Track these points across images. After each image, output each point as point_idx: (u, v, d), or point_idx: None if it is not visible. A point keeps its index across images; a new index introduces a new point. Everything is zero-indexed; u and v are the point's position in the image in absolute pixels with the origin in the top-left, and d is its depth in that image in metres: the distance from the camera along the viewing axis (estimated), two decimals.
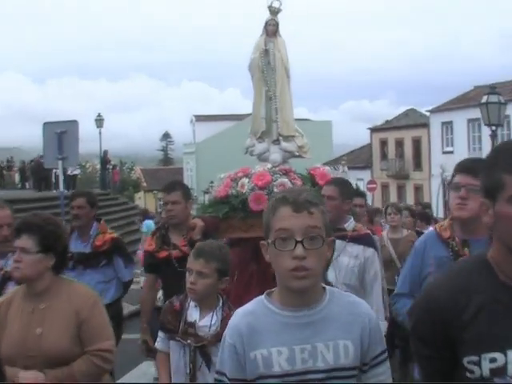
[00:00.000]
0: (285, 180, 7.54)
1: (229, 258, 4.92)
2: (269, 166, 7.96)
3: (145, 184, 75.94)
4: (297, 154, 8.48)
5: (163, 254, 6.63)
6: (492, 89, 22.23)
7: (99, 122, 45.90)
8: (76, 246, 7.29)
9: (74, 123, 14.97)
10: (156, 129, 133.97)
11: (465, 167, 4.28)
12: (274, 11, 8.55)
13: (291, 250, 2.65)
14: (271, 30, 8.53)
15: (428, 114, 57.34)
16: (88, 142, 47.24)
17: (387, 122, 65.25)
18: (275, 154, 8.37)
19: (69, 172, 34.21)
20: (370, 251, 6.05)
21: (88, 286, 4.64)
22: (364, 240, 6.11)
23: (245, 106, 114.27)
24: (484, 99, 21.63)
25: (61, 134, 14.29)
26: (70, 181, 34.96)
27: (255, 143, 8.54)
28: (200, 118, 78.60)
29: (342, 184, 6.31)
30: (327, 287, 2.88)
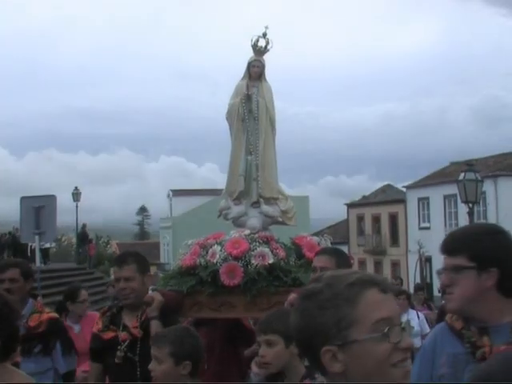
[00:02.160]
0: (265, 250, 6.47)
1: (189, 341, 4.52)
2: (246, 232, 6.83)
3: None
4: (280, 219, 7.33)
5: (109, 335, 5.58)
6: (469, 166, 22.46)
7: (76, 195, 45.82)
8: None
9: (51, 198, 14.85)
10: (133, 203, 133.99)
11: (444, 245, 3.34)
12: (260, 51, 7.43)
13: (399, 342, 2.14)
14: (255, 72, 7.42)
15: (404, 189, 57.70)
16: (64, 214, 46.98)
17: (364, 197, 65.67)
18: (254, 219, 7.19)
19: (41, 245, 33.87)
20: None
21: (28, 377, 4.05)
22: None
23: (222, 180, 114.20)
24: (461, 176, 21.84)
25: (38, 208, 14.15)
26: (44, 254, 34.64)
27: (231, 205, 7.37)
28: (177, 193, 78.55)
29: (338, 254, 5.53)
30: None
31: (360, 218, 62.17)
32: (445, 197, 50.38)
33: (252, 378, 4.54)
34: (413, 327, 7.82)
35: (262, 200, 7.24)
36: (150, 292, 5.84)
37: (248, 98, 7.28)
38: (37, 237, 14.17)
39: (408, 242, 54.68)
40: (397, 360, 2.11)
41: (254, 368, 4.52)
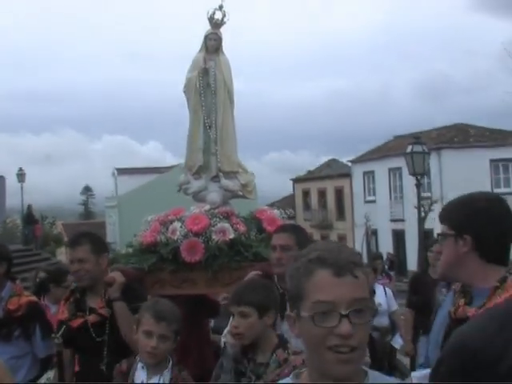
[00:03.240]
0: (226, 225, 6.42)
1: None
2: (207, 207, 6.75)
3: (66, 239, 74.68)
4: (240, 193, 7.24)
5: (77, 321, 5.41)
6: (416, 139, 22.67)
7: (21, 176, 45.27)
8: None
9: (0, 179, 14.65)
10: (77, 183, 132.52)
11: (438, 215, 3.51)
12: (217, 23, 7.27)
13: (334, 327, 2.14)
14: (212, 45, 7.27)
15: (350, 164, 58.03)
16: (9, 196, 46.36)
17: (309, 172, 65.90)
18: (214, 193, 7.10)
19: None
20: None
21: None
22: None
23: (167, 158, 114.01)
24: (408, 149, 22.05)
25: None
26: None
27: (190, 179, 7.23)
28: (122, 171, 77.96)
29: (298, 231, 5.40)
30: (369, 370, 2.35)
31: (306, 193, 62.47)
32: (390, 170, 50.76)
33: (228, 349, 4.54)
34: (380, 304, 7.98)
35: (221, 174, 7.15)
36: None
37: (205, 71, 7.16)
38: None
39: (354, 215, 55.09)
40: (332, 344, 2.14)
41: (230, 339, 4.52)
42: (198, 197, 7.22)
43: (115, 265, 6.35)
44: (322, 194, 60.05)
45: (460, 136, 47.94)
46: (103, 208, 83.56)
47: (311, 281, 2.18)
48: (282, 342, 4.31)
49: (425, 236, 24.22)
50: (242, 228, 6.51)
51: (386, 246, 46.61)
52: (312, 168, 67.20)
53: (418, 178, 22.11)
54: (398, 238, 49.67)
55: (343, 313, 2.13)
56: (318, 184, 60.77)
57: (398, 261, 43.06)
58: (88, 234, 5.66)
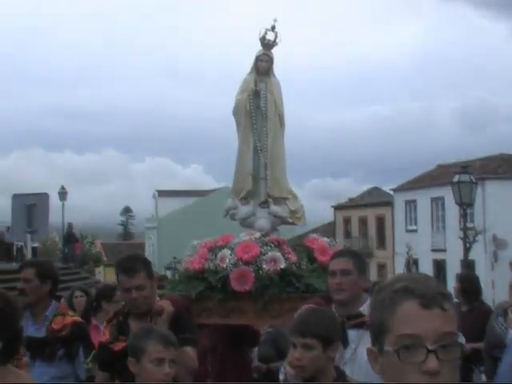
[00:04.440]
0: (277, 254, 6.19)
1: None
2: (257, 234, 6.54)
3: (105, 258, 75.00)
4: (289, 220, 7.07)
5: (119, 345, 5.18)
6: (463, 168, 22.27)
7: (62, 194, 45.35)
8: (26, 329, 5.61)
9: (44, 196, 14.67)
10: (118, 203, 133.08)
11: None
12: (268, 44, 7.09)
13: (420, 363, 1.97)
14: (263, 66, 7.09)
15: (392, 192, 57.58)
16: (50, 214, 46.56)
17: (351, 200, 65.47)
18: (263, 220, 6.90)
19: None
20: None
21: (31, 379, 3.92)
22: None
23: (207, 181, 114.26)
24: (455, 178, 21.65)
25: (30, 206, 13.91)
26: (33, 254, 34.31)
27: (238, 205, 7.04)
28: (163, 193, 78.37)
29: (356, 255, 5.22)
30: None
31: (347, 221, 62.05)
32: (432, 199, 50.30)
33: (288, 379, 4.32)
34: None
35: (270, 200, 6.99)
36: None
37: (256, 93, 7.02)
38: (28, 235, 13.90)
39: (394, 244, 54.56)
40: (416, 382, 1.97)
41: (290, 370, 4.28)
42: (246, 223, 7.08)
43: (161, 290, 6.19)
44: (363, 221, 59.60)
45: (505, 166, 47.33)
46: (143, 229, 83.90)
47: (397, 313, 2.03)
48: (341, 375, 4.15)
49: (468, 266, 23.78)
50: (293, 257, 6.31)
51: None
52: (353, 196, 66.71)
53: (464, 208, 21.69)
54: (439, 267, 49.03)
55: (430, 348, 1.96)
56: (359, 212, 60.35)
57: None
58: (141, 258, 5.49)
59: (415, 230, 52.19)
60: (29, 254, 14.95)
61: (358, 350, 4.72)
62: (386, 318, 2.06)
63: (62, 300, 6.32)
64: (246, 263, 6.19)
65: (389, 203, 56.68)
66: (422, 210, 51.82)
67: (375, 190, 64.64)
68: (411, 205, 53.67)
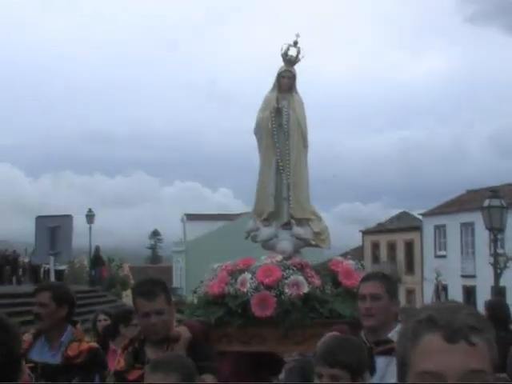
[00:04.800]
0: (299, 278, 5.93)
1: (192, 367, 3.91)
2: (279, 257, 6.29)
3: (133, 282, 75.00)
4: (312, 242, 6.84)
5: (135, 374, 4.88)
6: (494, 192, 21.88)
7: (90, 217, 45.44)
8: (42, 355, 5.56)
9: (67, 218, 14.49)
10: (146, 226, 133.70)
11: None
12: (290, 60, 6.88)
13: None
14: (286, 83, 6.88)
15: (420, 217, 57.15)
16: (77, 236, 46.74)
17: (379, 224, 65.09)
18: (285, 242, 6.71)
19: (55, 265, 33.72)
20: None
21: None
22: None
23: (236, 205, 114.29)
24: (486, 203, 21.25)
25: (54, 228, 13.76)
26: (58, 276, 34.34)
27: (259, 226, 6.84)
28: (191, 217, 78.39)
29: (387, 279, 4.97)
30: None
31: (375, 246, 61.63)
32: (461, 225, 49.88)
33: None
34: None
35: (293, 221, 6.78)
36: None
37: (278, 111, 6.81)
38: (52, 258, 13.75)
39: (423, 269, 54.03)
40: None
41: None
42: (268, 245, 6.87)
43: (179, 316, 5.97)
44: (392, 246, 59.18)
45: None
46: (170, 252, 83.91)
47: (418, 346, 1.78)
48: None
49: (498, 293, 23.35)
50: (316, 281, 6.06)
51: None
52: (382, 220, 66.32)
53: (495, 233, 21.28)
54: (469, 294, 48.44)
55: None
56: (388, 237, 59.94)
57: None
58: (159, 282, 5.18)
59: (444, 256, 51.72)
60: (52, 278, 14.76)
61: (385, 378, 4.51)
62: (408, 351, 1.82)
63: (78, 325, 5.96)
64: (268, 287, 5.94)
65: (418, 228, 56.29)
66: (452, 235, 51.42)
67: (404, 215, 64.19)
68: (440, 230, 53.27)
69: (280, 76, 6.94)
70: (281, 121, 6.81)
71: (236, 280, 6.12)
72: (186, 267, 70.62)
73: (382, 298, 4.71)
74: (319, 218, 6.97)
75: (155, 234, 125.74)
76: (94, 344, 6.00)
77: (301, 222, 6.81)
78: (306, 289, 5.91)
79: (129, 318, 7.67)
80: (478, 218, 46.54)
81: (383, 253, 60.43)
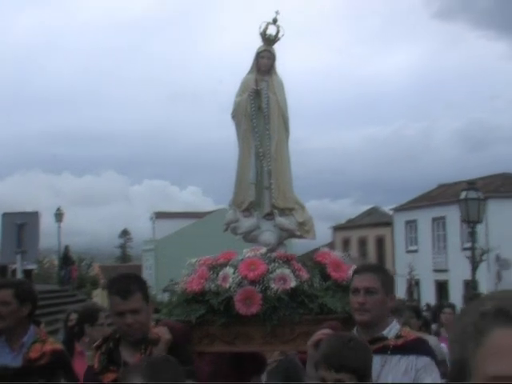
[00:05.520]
0: (286, 271, 5.44)
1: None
2: (263, 250, 5.77)
3: (103, 281, 74.49)
4: (297, 233, 6.39)
5: (109, 377, 4.50)
6: (470, 185, 21.67)
7: (59, 216, 44.92)
8: (1, 357, 5.22)
9: (34, 215, 14.00)
10: (116, 225, 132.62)
11: None
12: (270, 39, 6.46)
13: None
14: (265, 64, 6.44)
15: (391, 212, 57.09)
16: (47, 236, 46.27)
17: (350, 220, 64.98)
18: (268, 233, 6.22)
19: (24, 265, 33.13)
20: (424, 360, 4.26)
21: None
22: (415, 347, 4.34)
23: (206, 203, 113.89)
24: (462, 195, 21.03)
25: (21, 225, 13.26)
26: (26, 276, 33.74)
27: (240, 217, 6.35)
28: (160, 215, 78.11)
29: (383, 271, 4.66)
30: None
31: (346, 242, 61.46)
32: (433, 219, 49.84)
33: None
34: None
35: (275, 211, 6.32)
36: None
37: (257, 93, 6.35)
38: (18, 256, 13.24)
39: (395, 265, 53.98)
40: None
41: None
42: (249, 237, 6.40)
43: (156, 316, 5.52)
44: (363, 242, 59.09)
45: (507, 185, 46.85)
46: (140, 251, 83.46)
47: (485, 345, 1.38)
48: None
49: (475, 287, 23.15)
50: (304, 275, 5.57)
51: (428, 297, 45.38)
52: (353, 216, 66.21)
53: (472, 225, 21.04)
54: (441, 288, 48.47)
55: None
56: (359, 232, 59.87)
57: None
58: (135, 278, 4.76)
59: (416, 251, 51.76)
60: (19, 276, 14.21)
61: (380, 378, 4.19)
62: (470, 352, 1.42)
63: (42, 325, 5.51)
64: (252, 283, 5.43)
65: (389, 223, 56.23)
66: (423, 229, 51.38)
67: (375, 211, 64.10)
68: (412, 225, 53.25)
69: (259, 56, 6.50)
70: (260, 104, 6.35)
71: (217, 275, 5.59)
72: (156, 266, 70.30)
73: (377, 292, 4.38)
74: (302, 208, 6.51)
75: (125, 233, 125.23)
76: (59, 345, 5.60)
77: (284, 211, 6.35)
78: (293, 283, 5.43)
79: (94, 317, 7.27)
80: (449, 212, 46.82)
81: (354, 249, 60.29)
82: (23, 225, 13.30)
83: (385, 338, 4.32)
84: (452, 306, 10.52)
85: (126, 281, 4.58)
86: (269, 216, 6.36)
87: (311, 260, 5.95)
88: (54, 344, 5.46)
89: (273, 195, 6.30)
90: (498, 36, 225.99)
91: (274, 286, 5.41)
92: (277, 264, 5.58)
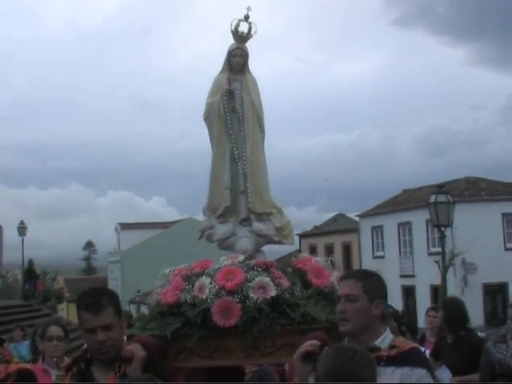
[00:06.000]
0: (265, 279, 5.18)
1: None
2: (240, 258, 5.54)
3: (68, 294, 73.63)
4: (275, 238, 6.16)
5: None
6: (439, 188, 21.56)
7: (22, 229, 44.37)
8: None
9: None
10: (80, 238, 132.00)
11: None
12: (242, 37, 6.23)
13: None
14: (238, 62, 6.22)
15: (357, 218, 57.05)
16: (10, 250, 45.72)
17: (316, 227, 64.91)
18: (245, 240, 5.99)
19: None
20: (419, 372, 3.97)
21: None
22: (410, 358, 4.03)
23: (171, 214, 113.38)
24: (432, 199, 20.88)
25: None
26: None
27: (215, 224, 6.10)
28: (125, 226, 77.54)
29: (367, 277, 4.27)
30: None
31: (313, 249, 61.30)
32: (399, 225, 49.84)
33: None
34: None
35: (252, 216, 6.09)
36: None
37: (230, 93, 6.14)
38: None
39: None
40: None
41: None
42: (225, 244, 6.15)
43: (130, 330, 5.22)
44: (329, 249, 58.92)
45: (471, 189, 47.00)
46: (105, 263, 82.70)
47: None
48: None
49: (445, 291, 23.05)
50: (285, 283, 5.30)
51: (394, 303, 45.13)
52: (318, 223, 66.14)
53: (442, 229, 20.89)
54: (408, 294, 48.46)
55: None
56: (325, 239, 59.80)
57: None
58: (106, 292, 4.41)
59: (382, 256, 51.78)
60: None
61: None
62: None
63: (5, 344, 5.09)
64: (230, 293, 5.15)
65: (355, 230, 56.18)
66: (389, 235, 51.34)
67: (340, 217, 64.12)
68: (378, 230, 53.21)
69: (231, 55, 6.27)
70: (234, 104, 6.13)
71: (193, 286, 5.31)
72: (122, 277, 69.66)
73: (358, 300, 4.10)
74: (280, 212, 6.27)
75: (89, 244, 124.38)
76: (24, 365, 5.15)
77: (261, 216, 6.12)
78: (273, 292, 5.16)
79: (43, 331, 6.92)
80: (415, 217, 46.91)
81: (321, 256, 60.06)
82: None
83: (377, 349, 4.05)
84: (436, 309, 10.32)
85: (96, 295, 4.24)
86: (245, 221, 6.14)
87: (290, 266, 5.69)
88: (20, 364, 5.02)
89: (249, 199, 6.09)
90: (456, 42, 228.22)
91: (253, 295, 5.14)
92: (255, 272, 5.31)
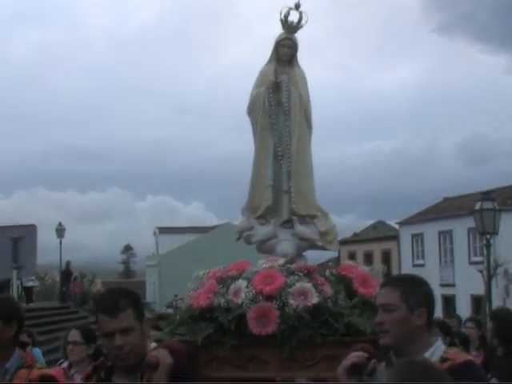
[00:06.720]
0: (307, 285, 4.80)
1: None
2: (281, 261, 5.15)
3: None
4: (319, 243, 5.78)
5: None
6: (485, 194, 20.93)
7: (60, 231, 44.39)
8: None
9: (31, 228, 13.37)
10: (119, 241, 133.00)
11: None
12: (291, 27, 5.88)
13: None
14: (286, 53, 5.88)
15: (397, 226, 56.52)
16: (48, 252, 45.80)
17: (355, 234, 64.43)
18: (286, 243, 5.63)
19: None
20: None
21: None
22: (464, 372, 3.60)
23: (209, 218, 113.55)
24: (477, 206, 20.28)
25: (17, 239, 12.60)
26: (27, 294, 33.13)
27: (254, 225, 5.76)
28: (163, 230, 77.81)
29: (406, 284, 3.87)
30: None
31: (352, 256, 60.80)
32: (439, 233, 49.28)
33: None
34: None
35: (295, 218, 5.72)
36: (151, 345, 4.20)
37: (276, 86, 5.76)
38: (14, 271, 12.61)
39: None
40: None
41: None
42: (265, 247, 5.80)
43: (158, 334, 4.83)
44: (369, 256, 58.46)
45: None
46: (143, 267, 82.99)
47: None
48: None
49: (490, 301, 22.38)
50: (328, 290, 4.91)
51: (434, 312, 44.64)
52: (358, 230, 65.63)
53: (488, 237, 20.27)
54: (448, 303, 47.77)
55: None
56: (365, 247, 59.37)
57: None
58: (126, 293, 3.98)
59: (422, 265, 51.21)
60: (15, 292, 13.60)
61: None
62: None
63: (28, 348, 4.75)
64: (268, 298, 4.78)
65: (395, 237, 55.71)
66: (429, 243, 50.82)
67: (380, 224, 63.62)
68: (418, 238, 52.73)
69: (279, 45, 5.92)
70: (280, 98, 5.76)
71: (227, 289, 4.96)
72: (159, 281, 69.78)
73: (396, 309, 3.72)
74: (325, 215, 5.90)
75: (128, 248, 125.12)
76: (48, 371, 4.75)
77: (304, 219, 5.74)
78: (315, 299, 4.76)
79: (66, 336, 6.75)
80: (456, 225, 46.30)
81: (360, 263, 59.65)
82: (19, 238, 12.66)
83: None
84: (475, 320, 9.84)
85: (114, 296, 3.88)
86: (287, 224, 5.80)
87: (334, 273, 5.32)
88: (43, 369, 4.68)
89: (292, 200, 5.75)
90: (496, 50, 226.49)
91: (293, 302, 4.76)
92: (296, 277, 4.93)
